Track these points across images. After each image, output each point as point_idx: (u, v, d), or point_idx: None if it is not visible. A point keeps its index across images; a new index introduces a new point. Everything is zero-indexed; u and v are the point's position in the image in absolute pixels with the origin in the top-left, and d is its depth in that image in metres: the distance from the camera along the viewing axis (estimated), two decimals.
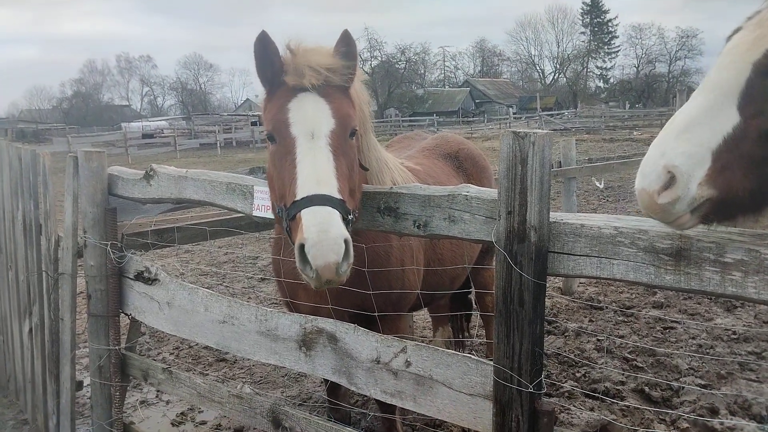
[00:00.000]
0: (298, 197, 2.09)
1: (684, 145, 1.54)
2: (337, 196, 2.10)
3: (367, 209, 2.45)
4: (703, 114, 1.56)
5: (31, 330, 4.12)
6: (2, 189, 4.33)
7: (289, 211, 2.14)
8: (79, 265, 3.64)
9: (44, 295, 3.90)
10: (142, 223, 3.72)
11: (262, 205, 2.81)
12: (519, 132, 1.94)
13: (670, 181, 1.54)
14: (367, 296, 2.79)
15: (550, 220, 1.96)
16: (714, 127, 1.55)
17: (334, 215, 2.03)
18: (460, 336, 4.78)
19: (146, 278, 3.35)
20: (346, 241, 2.02)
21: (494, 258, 2.05)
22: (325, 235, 1.97)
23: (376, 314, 2.80)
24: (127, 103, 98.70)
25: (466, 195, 2.16)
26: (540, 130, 1.94)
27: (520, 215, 1.94)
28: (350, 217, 2.14)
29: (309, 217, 2.02)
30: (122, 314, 3.54)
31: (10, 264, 4.37)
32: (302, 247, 2.00)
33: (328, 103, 2.30)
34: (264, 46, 2.32)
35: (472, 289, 4.56)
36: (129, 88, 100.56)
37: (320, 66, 2.29)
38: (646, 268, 1.81)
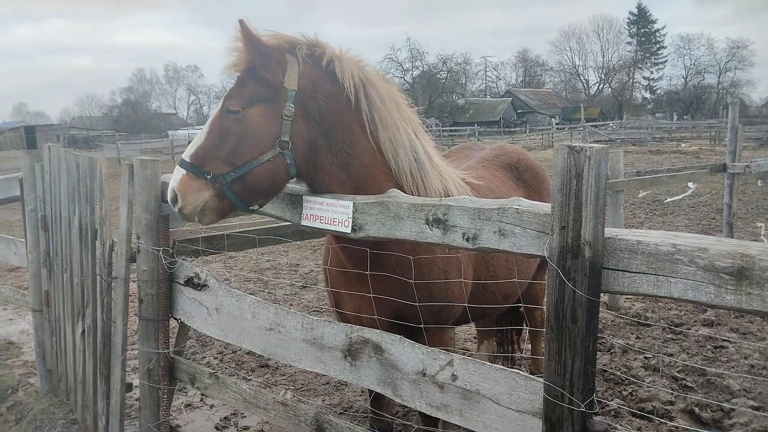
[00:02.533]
0: None
1: None
2: (188, 160, 2.70)
3: (415, 221, 2.45)
4: None
5: (83, 332, 4.25)
6: (60, 194, 4.49)
7: None
8: (132, 270, 3.74)
9: (97, 298, 4.02)
10: (192, 230, 3.80)
11: (310, 215, 2.84)
12: (575, 146, 1.91)
13: None
14: (406, 304, 2.80)
15: (605, 235, 1.92)
16: None
17: (177, 173, 2.71)
18: (510, 350, 4.70)
19: (196, 284, 3.42)
20: (174, 191, 2.70)
21: (546, 273, 2.02)
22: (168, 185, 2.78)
23: (420, 325, 2.80)
24: (174, 112, 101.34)
25: (518, 209, 2.13)
26: (596, 144, 1.91)
27: (575, 230, 1.91)
28: (209, 177, 2.67)
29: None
30: (172, 318, 3.62)
31: (65, 267, 4.51)
32: None
33: (230, 89, 2.80)
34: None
35: (522, 303, 4.48)
36: (176, 97, 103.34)
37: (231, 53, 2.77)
38: (705, 287, 1.76)
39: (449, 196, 2.89)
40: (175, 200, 2.71)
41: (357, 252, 2.82)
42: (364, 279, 2.85)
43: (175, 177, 2.70)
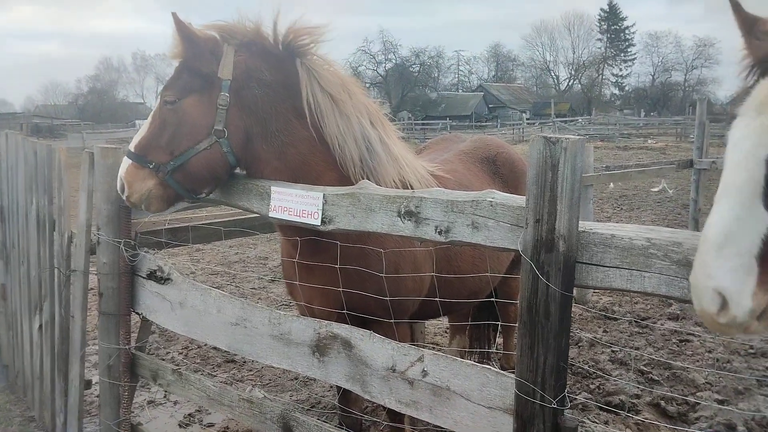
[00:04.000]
0: None
1: (726, 263, 1.50)
2: (132, 150, 2.80)
3: (387, 213, 2.38)
4: (734, 223, 1.51)
5: (41, 326, 4.09)
6: (17, 184, 4.31)
7: None
8: (92, 263, 3.61)
9: (56, 291, 3.87)
10: (155, 222, 3.67)
11: (278, 206, 2.76)
12: (550, 137, 1.87)
13: (724, 302, 1.51)
14: (354, 296, 2.78)
15: (580, 229, 1.89)
16: (751, 233, 1.50)
17: (123, 163, 2.84)
18: (486, 346, 4.66)
19: (159, 277, 3.30)
20: (122, 179, 2.82)
21: (520, 267, 1.98)
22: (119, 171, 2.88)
23: (375, 318, 2.80)
24: (142, 101, 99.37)
25: (491, 201, 2.09)
26: (573, 136, 1.87)
27: (549, 224, 1.87)
28: (151, 165, 2.76)
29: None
30: (133, 313, 3.50)
31: (22, 259, 4.35)
32: None
33: (168, 79, 2.89)
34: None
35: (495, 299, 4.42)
36: (144, 86, 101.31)
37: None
38: (679, 282, 1.73)
39: (408, 188, 2.86)
40: (122, 189, 2.83)
41: (302, 241, 2.83)
42: (313, 269, 2.88)
43: (123, 166, 2.83)
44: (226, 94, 2.73)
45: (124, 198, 2.86)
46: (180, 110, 2.75)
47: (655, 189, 8.01)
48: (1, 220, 4.66)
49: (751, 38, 1.69)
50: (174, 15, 2.76)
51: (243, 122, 2.78)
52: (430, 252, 3.07)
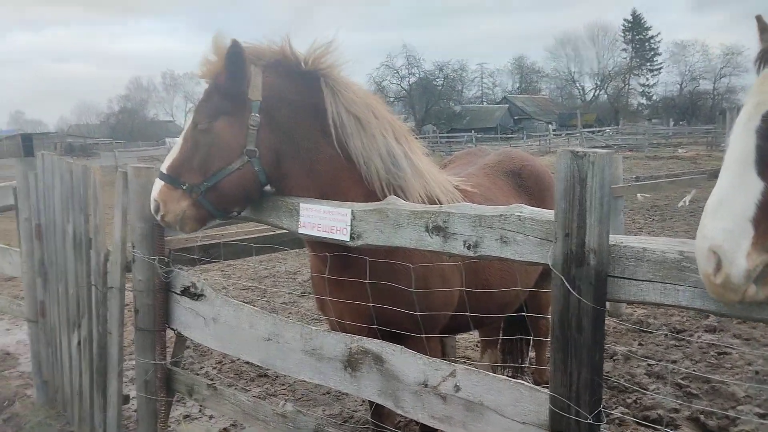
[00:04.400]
0: None
1: (720, 223, 1.60)
2: (165, 171, 2.83)
3: (414, 228, 2.40)
4: (730, 188, 1.63)
5: (79, 343, 4.19)
6: (53, 203, 4.44)
7: None
8: (128, 280, 3.69)
9: (93, 308, 3.96)
10: (188, 239, 3.75)
11: (308, 223, 2.79)
12: (578, 151, 1.87)
13: (719, 262, 1.59)
14: (384, 311, 2.80)
15: (610, 243, 1.88)
16: (744, 197, 1.61)
17: (156, 184, 2.86)
18: (520, 360, 4.62)
19: (192, 293, 3.37)
20: (155, 200, 2.84)
21: (551, 281, 1.97)
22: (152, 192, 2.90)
23: (405, 333, 2.79)
24: (171, 119, 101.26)
25: (519, 215, 2.09)
26: (600, 150, 1.87)
27: (579, 237, 1.87)
28: (185, 186, 2.80)
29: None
30: (168, 329, 3.56)
31: (60, 277, 4.46)
32: None
33: (198, 103, 2.91)
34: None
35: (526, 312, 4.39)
36: (173, 105, 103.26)
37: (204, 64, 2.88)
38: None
39: (435, 202, 2.89)
40: (157, 210, 2.86)
41: (331, 257, 2.87)
42: (342, 284, 2.90)
43: (156, 188, 2.85)
44: (257, 115, 2.78)
45: (158, 219, 2.89)
46: (212, 132, 2.79)
47: (680, 204, 7.94)
48: (39, 238, 4.79)
49: (764, 34, 1.87)
50: (215, 38, 2.81)
51: (273, 142, 2.83)
52: (458, 265, 3.07)
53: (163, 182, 2.84)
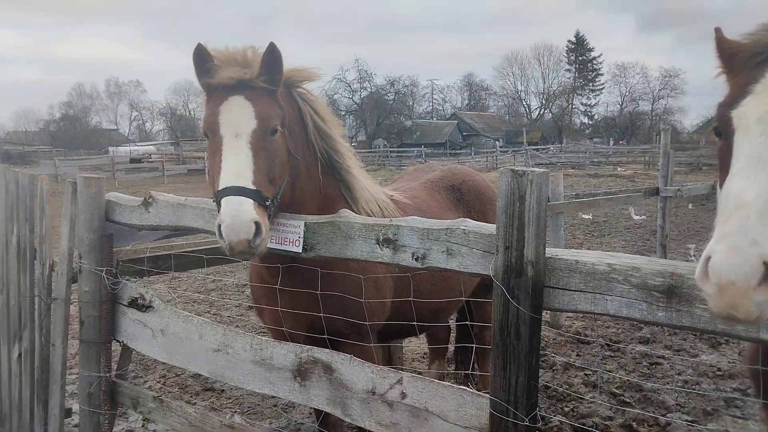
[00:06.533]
0: (220, 187, 2.49)
1: None
2: (251, 186, 2.47)
3: (366, 241, 2.50)
4: None
5: (20, 355, 4.08)
6: None
7: (215, 198, 2.55)
8: (73, 291, 3.64)
9: (36, 320, 3.87)
10: (137, 250, 3.73)
11: None
12: (517, 170, 2.01)
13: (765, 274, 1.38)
14: (320, 317, 2.87)
15: (546, 255, 2.02)
16: None
17: (245, 203, 2.42)
18: (471, 370, 4.76)
19: (140, 305, 3.35)
20: (257, 223, 2.42)
21: (492, 291, 2.10)
22: (236, 219, 2.39)
23: (339, 338, 2.89)
24: (116, 128, 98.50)
25: (464, 229, 2.22)
26: (537, 169, 2.02)
27: (518, 250, 2.00)
28: (268, 202, 2.54)
29: (225, 204, 2.43)
30: (114, 341, 3.53)
31: (2, 288, 4.33)
32: (220, 227, 2.43)
33: (253, 105, 2.62)
34: (200, 56, 2.68)
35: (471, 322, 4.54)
36: (118, 113, 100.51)
37: (241, 65, 2.65)
38: (638, 305, 1.87)
39: (371, 215, 3.06)
40: (256, 233, 2.43)
41: (273, 267, 2.93)
42: (284, 292, 2.96)
43: (246, 208, 2.42)
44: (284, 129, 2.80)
45: (256, 244, 2.43)
46: (278, 140, 2.70)
47: (637, 218, 8.45)
48: None
49: (722, 45, 1.88)
50: (272, 42, 2.68)
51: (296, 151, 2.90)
52: (389, 271, 3.18)
53: (251, 200, 2.44)
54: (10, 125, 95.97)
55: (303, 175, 2.94)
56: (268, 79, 2.67)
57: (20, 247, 4.00)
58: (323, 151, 3.01)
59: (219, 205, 2.47)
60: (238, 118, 2.59)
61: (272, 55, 2.67)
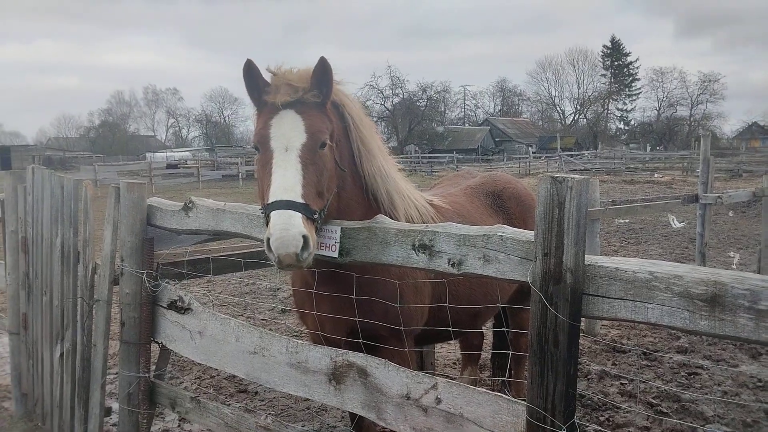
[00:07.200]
0: (270, 201, 2.51)
1: None
2: (300, 200, 2.50)
3: (402, 246, 2.51)
4: None
5: (62, 355, 4.20)
6: (42, 216, 4.47)
7: (264, 211, 2.56)
8: (114, 293, 3.73)
9: (78, 320, 3.98)
10: (176, 254, 3.81)
11: None
12: (557, 176, 2.00)
13: None
14: (361, 321, 2.89)
15: (586, 262, 2.00)
16: None
17: (294, 216, 2.45)
18: (507, 376, 4.74)
19: (179, 307, 3.42)
20: (305, 236, 2.43)
21: (530, 298, 2.09)
22: (285, 233, 2.40)
23: (378, 342, 2.91)
24: (153, 134, 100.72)
25: (502, 235, 2.21)
26: (578, 175, 2.00)
27: (557, 257, 1.99)
28: (315, 216, 2.56)
29: (275, 217, 2.45)
30: (153, 342, 3.61)
31: (45, 289, 4.47)
32: (269, 240, 2.43)
33: (303, 119, 2.66)
34: (250, 71, 2.73)
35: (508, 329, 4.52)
36: (155, 119, 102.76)
37: (295, 85, 2.68)
38: (680, 313, 1.84)
39: (410, 220, 3.08)
40: (306, 246, 2.45)
41: (320, 270, 2.95)
42: (323, 297, 3.00)
43: (295, 222, 2.44)
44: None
45: (303, 257, 2.45)
46: (327, 154, 2.73)
47: (675, 225, 8.26)
48: (25, 251, 4.80)
49: None
50: (323, 57, 2.71)
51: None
52: (428, 277, 3.19)
53: (300, 213, 2.47)
54: (52, 131, 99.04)
55: (349, 185, 2.96)
56: (318, 93, 2.71)
57: (64, 250, 4.13)
58: (366, 160, 3.01)
59: (268, 217, 2.49)
60: (289, 133, 2.63)
61: (323, 68, 2.70)
